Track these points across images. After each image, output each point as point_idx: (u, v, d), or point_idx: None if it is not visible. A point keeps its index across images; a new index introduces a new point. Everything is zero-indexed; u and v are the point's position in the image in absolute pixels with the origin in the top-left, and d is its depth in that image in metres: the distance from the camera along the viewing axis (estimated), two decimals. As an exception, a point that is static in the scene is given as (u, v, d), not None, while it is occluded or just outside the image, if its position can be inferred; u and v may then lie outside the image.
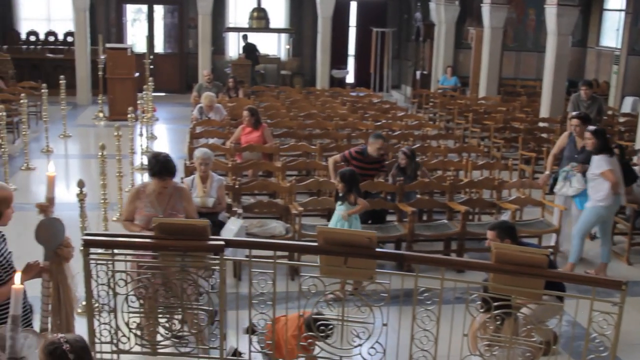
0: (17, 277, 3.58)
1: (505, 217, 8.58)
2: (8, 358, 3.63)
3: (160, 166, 5.95)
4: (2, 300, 4.24)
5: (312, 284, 5.30)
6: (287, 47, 22.72)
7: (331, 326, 5.37)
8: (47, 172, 4.21)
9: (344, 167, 8.50)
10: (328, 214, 8.90)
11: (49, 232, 4.13)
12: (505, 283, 4.89)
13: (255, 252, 5.55)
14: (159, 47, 22.48)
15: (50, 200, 4.20)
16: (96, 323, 5.58)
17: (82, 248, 5.56)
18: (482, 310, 5.14)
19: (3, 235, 4.53)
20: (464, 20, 20.55)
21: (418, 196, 9.05)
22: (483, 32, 17.89)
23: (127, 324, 5.52)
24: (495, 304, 4.96)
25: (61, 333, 3.53)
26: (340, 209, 7.45)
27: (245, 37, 21.38)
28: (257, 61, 21.02)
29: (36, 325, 4.73)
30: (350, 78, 23.50)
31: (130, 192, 6.32)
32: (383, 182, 8.92)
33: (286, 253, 7.38)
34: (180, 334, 5.57)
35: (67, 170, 12.56)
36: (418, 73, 21.62)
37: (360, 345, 5.26)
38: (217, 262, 5.22)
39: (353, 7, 23.44)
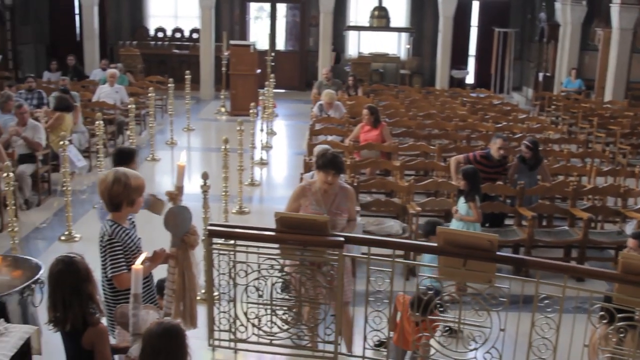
0: (140, 259, 3.75)
1: (630, 226, 8.27)
2: (132, 334, 3.80)
3: (326, 160, 5.80)
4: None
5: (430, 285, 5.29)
6: (407, 46, 22.62)
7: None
8: (178, 161, 4.35)
9: (466, 168, 8.42)
10: (445, 215, 8.82)
11: (177, 219, 4.26)
12: (631, 294, 4.71)
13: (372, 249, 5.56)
14: (280, 44, 22.81)
15: (180, 188, 4.33)
16: (215, 311, 5.75)
17: (204, 238, 5.75)
18: (604, 322, 4.97)
19: (133, 222, 4.74)
20: (591, 21, 19.83)
21: (539, 200, 8.85)
22: (611, 33, 17.25)
23: (245, 314, 5.65)
24: (619, 315, 4.79)
25: (184, 318, 3.67)
26: (461, 207, 7.41)
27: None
28: (339, 59, 21.01)
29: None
30: (470, 79, 23.16)
31: (296, 189, 6.17)
32: (503, 185, 8.77)
33: (402, 252, 7.36)
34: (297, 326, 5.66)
35: (189, 163, 12.96)
36: (540, 75, 21.08)
37: (475, 349, 5.20)
38: (336, 257, 5.27)
39: (475, 7, 23.07)
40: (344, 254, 5.31)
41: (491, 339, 5.05)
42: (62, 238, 8.60)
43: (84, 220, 9.30)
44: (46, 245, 8.52)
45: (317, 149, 8.02)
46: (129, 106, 11.71)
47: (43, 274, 4.84)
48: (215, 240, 5.63)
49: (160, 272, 4.63)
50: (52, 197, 10.25)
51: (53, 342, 4.72)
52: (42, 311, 4.93)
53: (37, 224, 9.17)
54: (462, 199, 7.46)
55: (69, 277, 3.79)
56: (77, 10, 21.66)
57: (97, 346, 3.79)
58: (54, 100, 11.21)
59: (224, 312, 5.74)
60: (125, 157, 6.19)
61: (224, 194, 8.68)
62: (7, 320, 4.33)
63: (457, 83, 21.31)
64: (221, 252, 5.63)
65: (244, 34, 22.47)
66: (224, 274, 5.66)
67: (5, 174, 7.37)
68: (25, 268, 5.01)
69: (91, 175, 11.26)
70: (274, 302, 5.55)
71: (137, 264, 3.66)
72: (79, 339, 3.78)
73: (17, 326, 4.28)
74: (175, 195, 4.29)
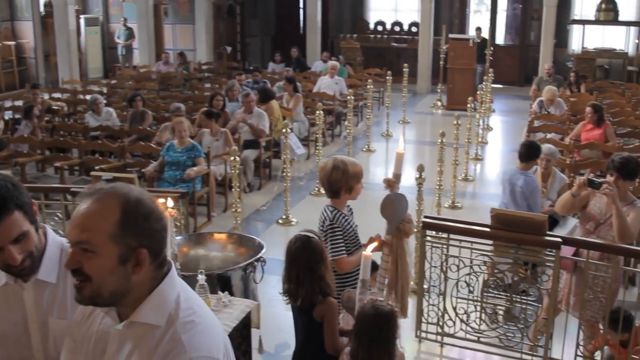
0: (370, 247, 3.84)
1: None
2: None
3: (611, 161, 5.32)
4: (351, 268, 4.56)
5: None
6: (636, 41, 21.30)
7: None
8: (397, 149, 4.37)
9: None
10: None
11: (394, 206, 4.29)
12: None
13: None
14: (500, 38, 22.31)
15: (397, 176, 4.36)
16: (425, 303, 5.79)
17: (417, 230, 5.79)
18: None
19: (351, 209, 4.86)
20: None
21: None
22: None
23: (454, 309, 5.64)
24: None
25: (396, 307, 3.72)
26: None
27: (478, 30, 19.89)
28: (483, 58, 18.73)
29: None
30: None
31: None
32: None
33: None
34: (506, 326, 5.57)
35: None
36: None
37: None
38: (553, 259, 5.11)
39: None
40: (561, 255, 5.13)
41: None
42: (280, 221, 9.00)
43: (300, 205, 9.68)
44: (265, 227, 8.97)
45: (544, 148, 7.54)
46: (348, 97, 11.99)
47: (265, 253, 5.11)
48: (428, 232, 5.67)
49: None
50: (272, 182, 10.77)
51: (271, 318, 4.97)
52: (262, 288, 5.22)
53: (257, 206, 9.68)
54: None
55: (305, 255, 3.96)
56: (301, 4, 22.53)
57: (327, 318, 3.95)
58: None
59: (433, 305, 5.76)
60: (534, 152, 6.95)
61: (437, 187, 8.66)
62: (231, 294, 4.61)
63: (693, 81, 19.77)
64: (434, 244, 5.66)
65: (463, 28, 22.23)
66: (435, 267, 5.69)
67: (232, 158, 7.84)
68: (249, 246, 5.30)
69: (309, 162, 11.68)
70: (484, 299, 5.49)
71: (368, 252, 3.74)
72: (311, 311, 3.96)
73: (240, 300, 4.56)
74: (393, 182, 4.33)
